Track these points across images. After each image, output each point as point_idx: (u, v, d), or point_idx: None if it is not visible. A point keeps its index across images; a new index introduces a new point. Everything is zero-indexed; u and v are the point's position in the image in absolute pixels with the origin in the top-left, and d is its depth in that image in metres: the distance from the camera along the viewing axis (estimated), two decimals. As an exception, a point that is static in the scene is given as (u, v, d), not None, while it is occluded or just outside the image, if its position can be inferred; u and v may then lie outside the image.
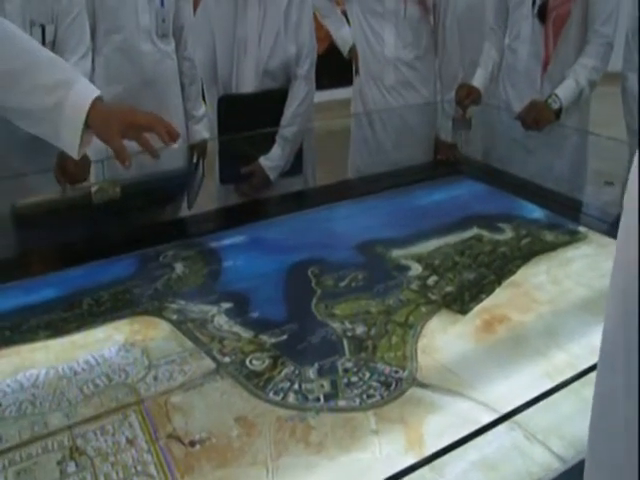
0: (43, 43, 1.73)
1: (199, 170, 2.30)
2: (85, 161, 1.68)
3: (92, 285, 1.41)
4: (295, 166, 2.24)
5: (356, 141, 2.53)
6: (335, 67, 2.99)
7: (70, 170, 1.70)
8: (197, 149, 2.47)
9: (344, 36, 2.62)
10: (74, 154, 1.23)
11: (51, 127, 1.22)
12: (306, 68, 2.20)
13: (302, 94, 2.20)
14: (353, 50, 2.56)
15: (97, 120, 1.20)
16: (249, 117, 2.15)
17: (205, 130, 2.51)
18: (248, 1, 2.12)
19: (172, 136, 1.26)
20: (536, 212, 1.77)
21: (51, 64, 1.24)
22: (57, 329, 1.26)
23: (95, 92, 1.23)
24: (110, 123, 1.22)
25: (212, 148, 2.43)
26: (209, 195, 2.25)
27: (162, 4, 2.39)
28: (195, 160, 2.43)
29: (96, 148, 1.38)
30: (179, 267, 1.46)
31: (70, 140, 1.22)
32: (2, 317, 1.30)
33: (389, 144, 2.44)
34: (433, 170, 2.25)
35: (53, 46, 1.79)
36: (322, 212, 1.79)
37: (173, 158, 2.38)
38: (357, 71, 2.54)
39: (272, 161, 2.17)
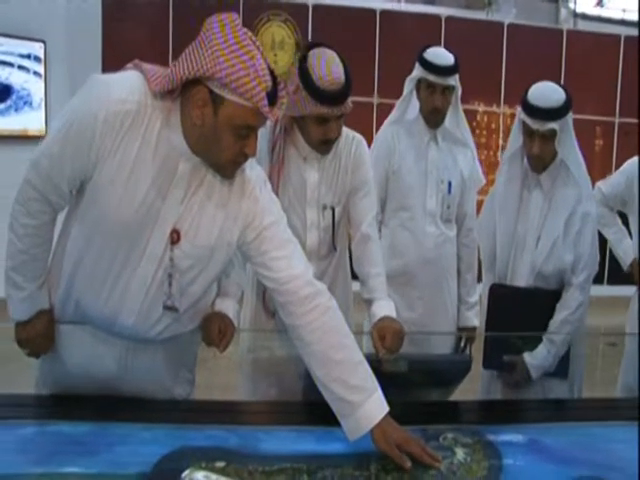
0: (333, 223, 2.05)
1: (465, 355, 2.40)
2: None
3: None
4: (561, 369, 2.22)
5: (630, 359, 2.45)
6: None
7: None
8: (466, 335, 2.60)
9: (625, 249, 2.61)
10: (350, 438, 1.49)
11: (342, 412, 1.51)
12: (582, 278, 2.19)
13: (575, 304, 2.18)
14: (634, 265, 2.55)
15: (379, 431, 1.47)
16: (518, 310, 2.21)
17: (475, 317, 2.61)
18: (531, 204, 2.23)
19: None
20: None
21: (358, 368, 1.53)
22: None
23: (385, 409, 1.49)
24: (388, 440, 1.46)
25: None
26: (474, 378, 2.31)
27: (449, 191, 2.60)
28: (462, 345, 2.55)
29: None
30: (460, 453, 1.53)
31: (353, 432, 1.50)
32: (297, 459, 1.46)
33: (670, 370, 2.32)
34: None
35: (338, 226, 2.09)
36: (599, 429, 1.74)
37: (443, 340, 2.53)
38: (638, 287, 2.51)
39: (536, 360, 2.18)
